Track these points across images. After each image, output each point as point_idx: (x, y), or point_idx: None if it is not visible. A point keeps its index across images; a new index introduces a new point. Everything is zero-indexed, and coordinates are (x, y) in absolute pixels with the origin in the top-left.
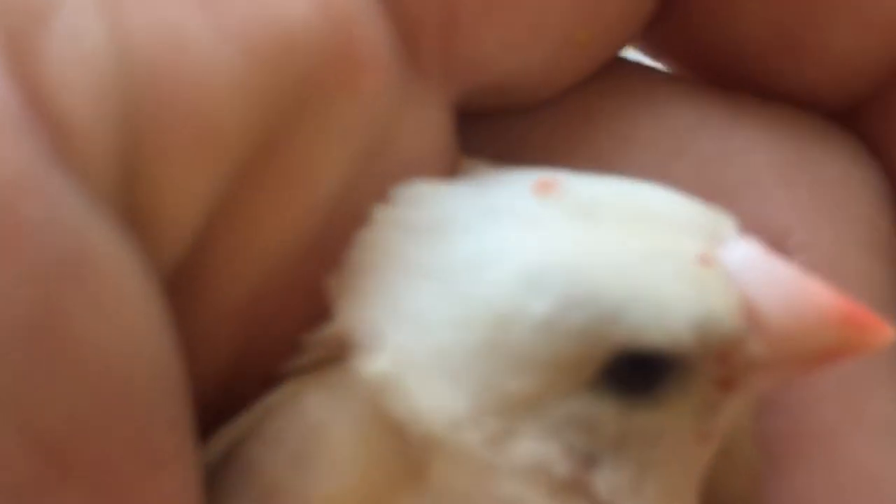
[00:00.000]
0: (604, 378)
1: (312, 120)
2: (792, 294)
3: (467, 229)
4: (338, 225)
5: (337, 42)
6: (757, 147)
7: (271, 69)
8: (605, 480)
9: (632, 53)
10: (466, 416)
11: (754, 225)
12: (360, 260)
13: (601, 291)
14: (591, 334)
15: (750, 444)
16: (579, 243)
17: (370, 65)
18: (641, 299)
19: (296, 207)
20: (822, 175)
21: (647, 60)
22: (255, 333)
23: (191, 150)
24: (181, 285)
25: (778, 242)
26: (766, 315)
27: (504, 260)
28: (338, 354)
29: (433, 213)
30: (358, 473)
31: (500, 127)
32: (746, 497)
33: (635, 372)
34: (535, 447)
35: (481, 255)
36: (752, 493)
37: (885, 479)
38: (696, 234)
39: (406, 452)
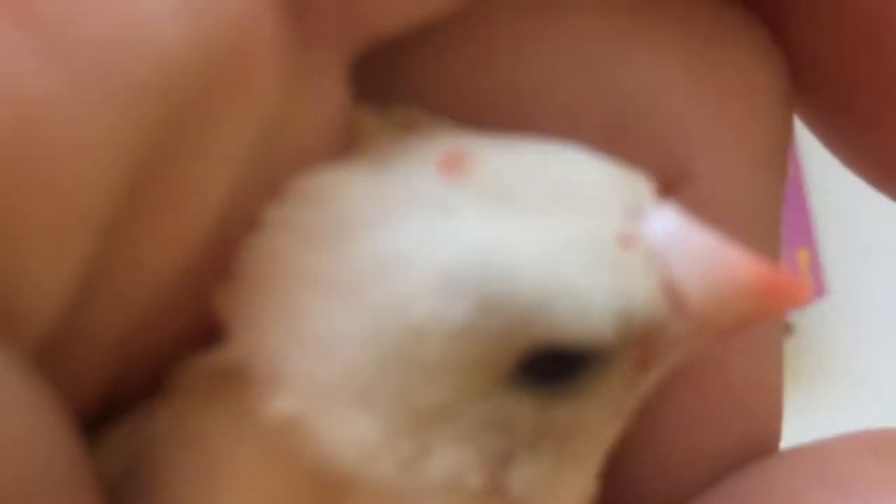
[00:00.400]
0: (520, 374)
1: (194, 141)
2: (712, 267)
3: (369, 228)
4: (230, 230)
5: (217, 55)
6: (665, 58)
7: (139, 110)
8: (520, 479)
9: None
10: (379, 444)
11: (661, 152)
12: (253, 272)
13: (520, 289)
14: (510, 334)
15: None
16: (494, 235)
17: (257, 65)
18: (561, 294)
19: (180, 230)
20: (729, 84)
21: None
22: (141, 349)
23: (52, 226)
24: (58, 331)
25: (684, 169)
26: (688, 293)
27: (414, 263)
28: (234, 376)
29: (329, 211)
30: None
31: (386, 56)
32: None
33: (553, 366)
34: (448, 460)
35: (388, 258)
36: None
37: (769, 390)
38: (614, 209)
39: (320, 486)
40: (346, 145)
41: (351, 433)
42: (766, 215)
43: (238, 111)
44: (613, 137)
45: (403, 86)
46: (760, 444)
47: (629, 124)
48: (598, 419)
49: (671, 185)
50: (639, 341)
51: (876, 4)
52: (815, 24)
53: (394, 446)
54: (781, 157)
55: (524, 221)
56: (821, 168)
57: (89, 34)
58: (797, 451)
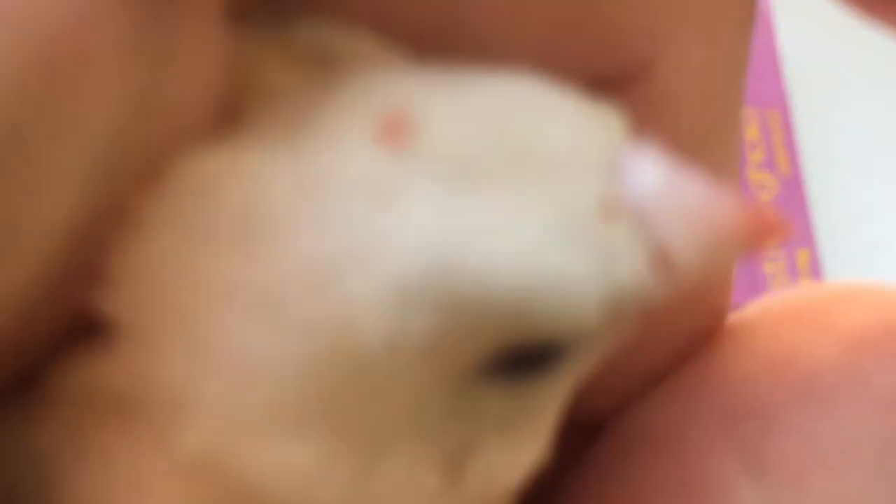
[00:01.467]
0: (487, 370)
1: (29, 156)
2: (700, 224)
3: (291, 223)
4: (100, 227)
5: (48, 68)
6: None
7: None
8: (483, 468)
9: None
10: (316, 473)
11: (621, 45)
12: (140, 277)
13: (491, 291)
14: (479, 341)
15: None
16: (455, 225)
17: (100, 67)
18: (541, 291)
19: (22, 246)
20: None
21: None
22: (6, 350)
23: None
24: None
25: (647, 61)
26: (676, 255)
27: (355, 268)
28: (130, 391)
29: (233, 203)
30: None
31: None
32: None
33: (526, 356)
34: (398, 472)
35: (320, 263)
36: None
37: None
38: (589, 167)
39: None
40: (233, 108)
41: (281, 465)
42: (731, 90)
43: (82, 116)
44: (566, 33)
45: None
46: (711, 324)
47: (582, 18)
48: (565, 390)
49: (634, 78)
50: (620, 315)
51: None
52: None
53: (334, 472)
54: (748, 23)
55: (488, 201)
56: (821, 168)
57: None
58: (756, 348)
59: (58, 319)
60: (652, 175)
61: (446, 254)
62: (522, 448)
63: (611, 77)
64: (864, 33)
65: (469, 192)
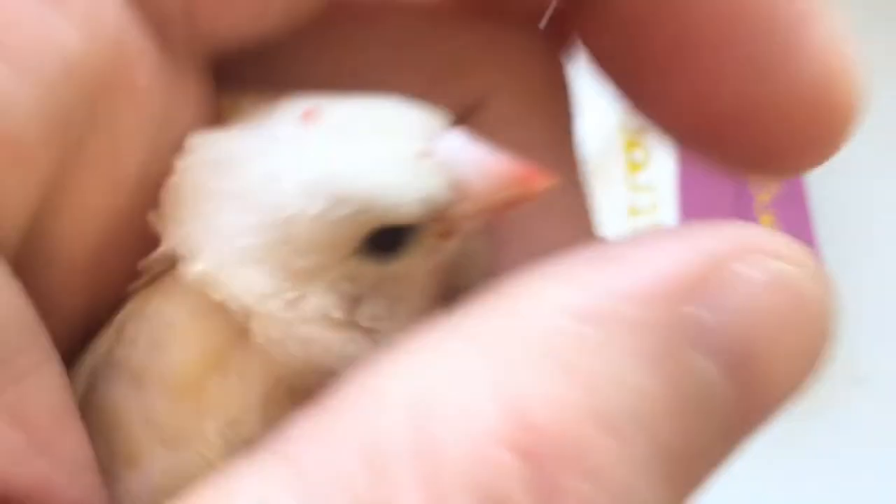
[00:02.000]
0: (363, 247)
1: (105, 114)
2: (485, 167)
3: (255, 158)
4: (149, 183)
5: (108, 56)
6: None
7: (59, 91)
8: (368, 314)
9: None
10: (269, 292)
11: (466, 94)
12: (175, 197)
13: (355, 190)
14: (352, 220)
15: (482, 246)
16: (337, 157)
17: (137, 66)
18: (383, 192)
19: (111, 179)
20: (522, 63)
21: None
22: (104, 276)
23: (6, 167)
24: (28, 261)
25: (482, 98)
26: (469, 185)
27: (284, 177)
28: (170, 268)
29: (225, 150)
30: (201, 346)
31: (272, 61)
32: (482, 279)
33: (384, 240)
34: (318, 302)
35: (268, 176)
36: (486, 275)
37: (570, 244)
38: (418, 135)
39: (232, 324)
40: (217, 122)
41: (250, 285)
42: (559, 143)
43: (130, 101)
44: (431, 85)
45: (289, 79)
46: None
47: (447, 83)
48: (417, 271)
49: (472, 109)
50: (438, 219)
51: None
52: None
53: (280, 293)
54: (563, 102)
55: (357, 149)
56: (821, 168)
57: (17, 49)
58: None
59: (138, 253)
60: (457, 139)
61: (327, 169)
62: (395, 309)
63: (457, 101)
64: (864, 34)
65: (345, 142)
